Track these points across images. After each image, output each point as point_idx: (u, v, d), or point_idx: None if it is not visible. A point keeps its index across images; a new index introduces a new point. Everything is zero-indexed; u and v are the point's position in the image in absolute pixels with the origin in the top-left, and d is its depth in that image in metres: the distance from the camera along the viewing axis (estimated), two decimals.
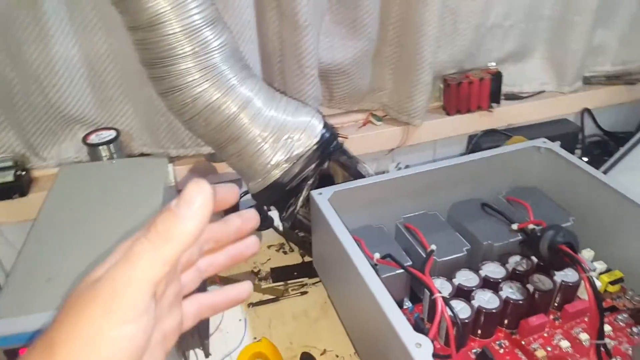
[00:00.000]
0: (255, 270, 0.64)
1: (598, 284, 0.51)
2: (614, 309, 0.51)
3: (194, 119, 0.52)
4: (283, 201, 0.56)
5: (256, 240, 0.30)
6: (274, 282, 0.61)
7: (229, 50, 0.51)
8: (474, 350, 0.47)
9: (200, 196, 0.22)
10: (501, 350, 0.47)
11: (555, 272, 0.50)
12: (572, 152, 0.81)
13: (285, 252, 0.67)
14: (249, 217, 0.29)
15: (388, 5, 0.66)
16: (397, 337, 0.38)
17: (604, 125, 0.86)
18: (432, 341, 0.45)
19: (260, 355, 0.51)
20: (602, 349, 0.43)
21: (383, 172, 0.60)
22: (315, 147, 0.55)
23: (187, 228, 0.21)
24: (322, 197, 0.53)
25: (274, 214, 0.64)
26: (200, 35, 0.49)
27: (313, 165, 0.55)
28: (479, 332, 0.48)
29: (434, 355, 0.45)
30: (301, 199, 0.55)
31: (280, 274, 0.62)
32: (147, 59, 0.51)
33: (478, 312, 0.47)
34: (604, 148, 0.84)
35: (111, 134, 0.64)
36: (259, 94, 0.53)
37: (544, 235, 0.47)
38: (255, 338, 0.55)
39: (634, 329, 0.49)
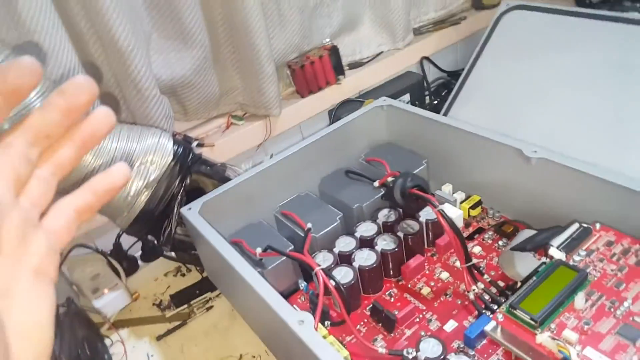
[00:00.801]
0: (157, 302, 0.60)
1: (460, 212, 0.54)
2: (480, 230, 0.55)
3: None
4: (157, 227, 0.53)
5: (108, 111, 0.23)
6: (177, 307, 0.58)
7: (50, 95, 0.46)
8: (368, 307, 0.48)
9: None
10: (392, 300, 0.49)
11: (420, 214, 0.52)
12: (423, 99, 0.86)
13: (183, 275, 0.63)
14: (75, 88, 0.21)
15: (210, 10, 0.63)
16: (281, 320, 0.37)
17: (444, 66, 0.91)
18: (327, 311, 0.46)
19: None
20: (474, 270, 0.46)
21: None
22: (172, 165, 0.52)
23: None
24: (192, 211, 0.50)
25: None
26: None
27: (176, 183, 0.52)
28: (370, 289, 0.49)
29: (331, 324, 0.46)
30: (174, 219, 0.52)
31: (182, 297, 0.59)
32: None
33: (360, 272, 0.48)
34: (448, 87, 0.89)
35: None
36: None
37: (395, 185, 0.49)
38: None
39: (500, 243, 0.52)
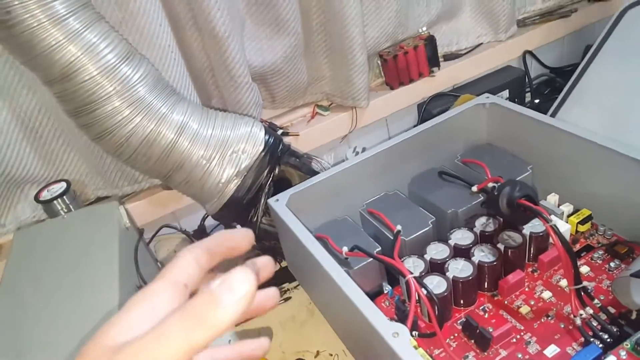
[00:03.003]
0: None
1: (568, 227, 0.50)
2: (589, 248, 0.50)
3: (133, 157, 0.49)
4: (243, 215, 0.54)
5: (276, 292, 0.27)
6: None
7: (152, 80, 0.48)
8: (459, 321, 0.45)
9: (245, 285, 0.19)
10: (486, 315, 0.46)
11: (523, 226, 0.48)
12: (522, 97, 0.81)
13: None
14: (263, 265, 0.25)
15: None
16: (374, 330, 0.36)
17: (548, 62, 0.84)
18: (416, 320, 0.44)
19: None
20: (582, 292, 0.42)
21: (342, 161, 0.57)
22: (262, 155, 0.52)
23: (225, 317, 0.19)
24: (279, 203, 0.50)
25: None
26: (118, 73, 0.46)
27: (265, 173, 0.53)
28: (461, 301, 0.47)
29: (420, 335, 0.44)
30: (260, 209, 0.52)
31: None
32: (71, 109, 0.48)
33: (454, 283, 0.45)
34: (552, 86, 0.83)
35: (62, 186, 0.61)
36: (193, 116, 0.50)
37: (501, 193, 0.46)
38: None
39: (612, 264, 0.47)
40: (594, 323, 0.41)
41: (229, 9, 0.55)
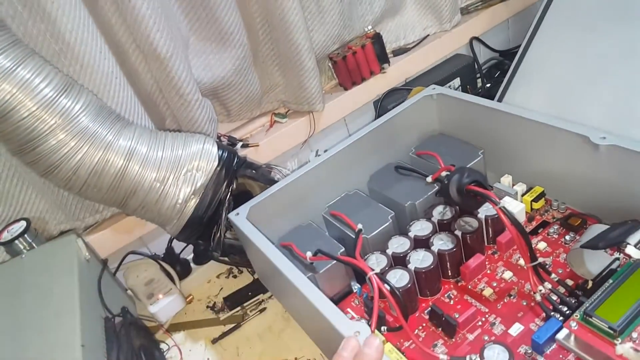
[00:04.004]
0: (210, 305, 0.61)
1: (522, 206, 0.51)
2: (545, 224, 0.51)
3: (84, 188, 0.48)
4: (206, 233, 0.53)
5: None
6: (230, 309, 0.59)
7: (94, 109, 0.48)
8: (426, 311, 0.46)
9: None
10: (451, 302, 0.47)
11: (479, 210, 0.50)
12: (474, 83, 0.82)
13: (235, 276, 0.64)
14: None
15: (247, 8, 0.62)
16: (337, 331, 0.37)
17: (496, 46, 0.86)
18: (383, 316, 0.45)
19: None
20: (540, 268, 0.43)
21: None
22: (217, 170, 0.52)
23: None
24: (240, 217, 0.51)
25: None
26: (58, 106, 0.46)
27: (223, 188, 0.53)
28: (427, 291, 0.48)
29: (388, 329, 0.44)
30: (222, 224, 0.52)
31: (235, 299, 0.60)
32: (14, 148, 0.47)
33: (417, 274, 0.46)
34: (502, 68, 0.85)
35: (21, 225, 0.59)
36: (141, 140, 0.50)
37: (450, 181, 0.47)
38: None
39: (567, 237, 0.49)
40: (554, 297, 0.42)
41: (169, 29, 0.55)
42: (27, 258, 0.52)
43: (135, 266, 0.61)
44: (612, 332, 0.32)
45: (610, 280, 0.35)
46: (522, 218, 0.51)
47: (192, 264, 0.65)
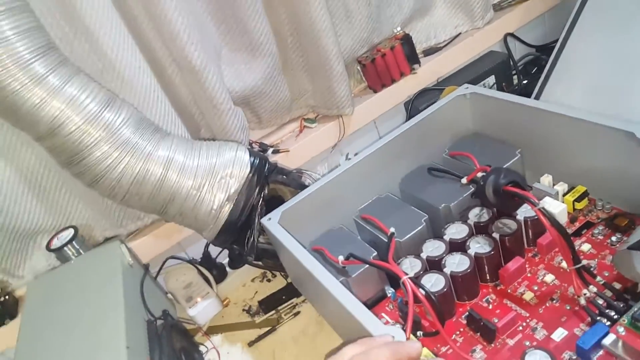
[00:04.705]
0: (246, 308, 0.61)
1: (563, 206, 0.48)
2: (589, 225, 0.48)
3: (127, 197, 0.50)
4: (241, 237, 0.54)
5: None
6: (265, 313, 0.59)
7: (134, 121, 0.50)
8: (464, 316, 0.45)
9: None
10: (490, 306, 0.45)
11: (517, 212, 0.47)
12: (510, 80, 0.79)
13: (269, 280, 0.64)
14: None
15: (276, 18, 0.63)
16: (368, 335, 0.36)
17: (532, 41, 0.83)
18: (418, 321, 0.44)
19: None
20: (584, 271, 0.41)
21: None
22: (250, 176, 0.53)
23: None
24: (272, 222, 0.51)
25: None
26: (102, 120, 0.48)
27: (255, 194, 0.53)
28: (464, 296, 0.46)
29: (424, 334, 0.43)
30: (255, 229, 0.53)
31: (270, 303, 0.60)
32: (63, 160, 0.49)
33: (453, 278, 0.44)
34: (539, 64, 0.81)
35: (70, 232, 0.62)
36: (178, 149, 0.51)
37: (486, 183, 0.45)
38: None
39: (613, 238, 0.46)
40: (600, 301, 0.40)
41: (202, 42, 0.56)
42: (75, 264, 0.54)
43: (175, 270, 0.63)
44: None
45: None
46: (563, 219, 0.48)
47: (227, 268, 0.66)
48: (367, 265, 0.47)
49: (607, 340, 0.33)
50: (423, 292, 0.42)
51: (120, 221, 0.64)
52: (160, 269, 0.62)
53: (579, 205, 0.49)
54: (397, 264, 0.47)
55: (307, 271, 0.44)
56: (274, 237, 0.49)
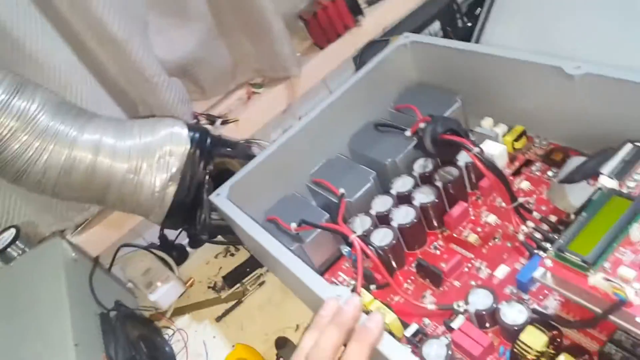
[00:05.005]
0: (211, 285, 0.64)
1: (503, 147, 0.52)
2: (529, 163, 0.52)
3: (58, 189, 0.50)
4: (191, 217, 0.56)
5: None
6: (230, 287, 0.62)
7: (52, 105, 0.48)
8: (413, 264, 0.49)
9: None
10: (438, 252, 0.49)
11: (458, 158, 0.51)
12: (455, 23, 0.81)
13: (232, 255, 0.67)
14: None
15: None
16: (319, 298, 0.39)
17: None
18: (370, 275, 0.47)
19: None
20: (521, 209, 0.45)
21: None
22: (191, 152, 0.54)
23: None
24: (221, 197, 0.53)
25: None
26: (12, 108, 0.46)
27: (199, 170, 0.54)
28: (414, 245, 0.50)
29: (377, 287, 0.47)
30: (205, 207, 0.55)
31: (234, 277, 0.63)
32: None
33: (401, 230, 0.48)
34: (482, 4, 0.83)
35: (11, 233, 0.63)
36: (107, 131, 0.51)
37: (425, 132, 0.48)
38: (233, 346, 0.56)
39: (549, 173, 0.50)
40: (538, 235, 0.44)
41: (123, 9, 0.55)
42: (17, 264, 0.56)
43: (131, 258, 0.65)
44: (584, 265, 0.34)
45: (583, 213, 0.37)
46: (503, 159, 0.52)
47: (188, 248, 0.68)
48: (320, 229, 0.50)
49: (538, 273, 0.37)
50: (372, 248, 0.45)
51: (65, 214, 0.64)
52: (113, 259, 0.64)
53: (518, 145, 0.53)
54: (348, 224, 0.50)
55: (259, 244, 0.47)
56: (224, 213, 0.52)
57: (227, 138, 0.59)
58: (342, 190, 0.52)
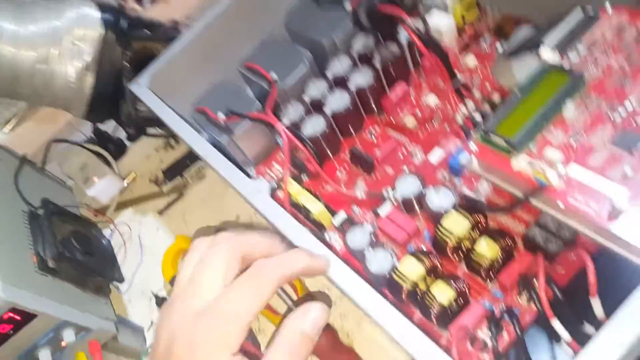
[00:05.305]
0: (153, 179, 0.61)
1: (450, 20, 0.46)
2: (479, 37, 0.46)
3: None
4: (116, 109, 0.51)
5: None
6: (171, 180, 0.59)
7: None
8: (347, 152, 0.45)
9: None
10: (374, 139, 0.45)
11: (400, 33, 0.45)
12: None
13: (172, 147, 0.63)
14: None
15: None
16: (241, 194, 0.36)
17: None
18: (301, 165, 0.44)
19: (181, 250, 0.52)
20: (462, 87, 0.41)
21: None
22: (105, 36, 0.47)
23: None
24: (141, 86, 0.47)
25: None
26: None
27: (118, 56, 0.48)
28: (350, 132, 0.46)
29: (308, 176, 0.44)
30: (128, 98, 0.49)
31: (174, 170, 0.60)
32: None
33: (334, 118, 0.44)
34: None
35: None
36: (4, 16, 0.44)
37: (360, 5, 0.41)
38: None
39: (497, 45, 0.45)
40: (478, 117, 0.40)
41: None
42: None
43: (66, 154, 0.61)
44: (509, 148, 0.30)
45: (517, 91, 0.33)
46: (451, 34, 0.46)
47: (126, 142, 0.64)
48: (251, 119, 0.46)
49: (464, 159, 0.34)
50: (300, 138, 0.41)
51: None
52: (45, 156, 0.60)
53: (468, 17, 0.47)
54: (280, 112, 0.46)
55: (182, 139, 0.42)
56: (146, 104, 0.46)
57: (148, 19, 0.52)
58: (273, 75, 0.46)
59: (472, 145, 0.33)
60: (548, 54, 0.33)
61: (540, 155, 0.29)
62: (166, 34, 0.51)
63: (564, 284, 0.32)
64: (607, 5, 0.33)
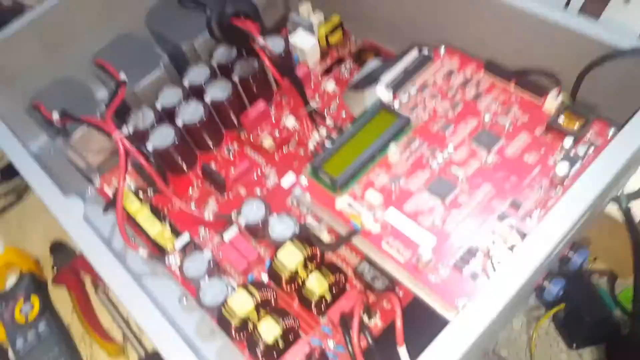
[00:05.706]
0: None
1: (313, 41, 0.44)
2: (341, 61, 0.46)
3: None
4: None
5: None
6: (8, 180, 0.52)
7: None
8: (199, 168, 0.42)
9: None
10: (231, 156, 0.42)
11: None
12: None
13: None
14: None
15: None
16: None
17: None
18: (151, 180, 0.40)
19: (9, 264, 0.45)
20: (315, 114, 0.40)
21: None
22: None
23: None
24: None
25: None
26: None
27: None
28: (207, 146, 0.43)
29: (155, 191, 0.40)
30: None
31: (12, 170, 0.52)
32: None
33: (187, 130, 0.40)
34: None
35: None
36: None
37: (212, 13, 0.38)
38: None
39: (356, 75, 0.44)
40: (328, 145, 0.39)
41: None
42: None
43: None
44: (333, 187, 0.29)
45: (350, 127, 0.32)
46: (314, 56, 0.45)
47: None
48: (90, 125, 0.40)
49: (296, 192, 0.32)
50: (145, 151, 0.38)
51: None
52: None
53: (333, 39, 0.46)
54: (127, 118, 0.41)
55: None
56: None
57: None
58: (123, 76, 0.41)
59: (303, 179, 0.31)
60: (382, 91, 0.33)
61: (363, 197, 0.29)
62: (4, 14, 0.44)
63: (379, 332, 0.31)
64: (442, 49, 0.33)
